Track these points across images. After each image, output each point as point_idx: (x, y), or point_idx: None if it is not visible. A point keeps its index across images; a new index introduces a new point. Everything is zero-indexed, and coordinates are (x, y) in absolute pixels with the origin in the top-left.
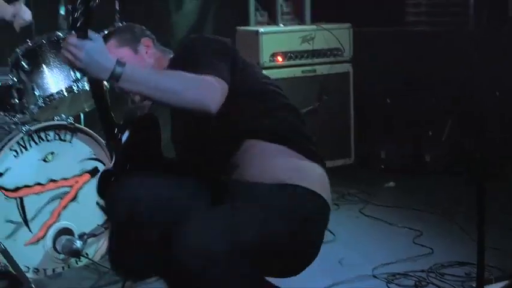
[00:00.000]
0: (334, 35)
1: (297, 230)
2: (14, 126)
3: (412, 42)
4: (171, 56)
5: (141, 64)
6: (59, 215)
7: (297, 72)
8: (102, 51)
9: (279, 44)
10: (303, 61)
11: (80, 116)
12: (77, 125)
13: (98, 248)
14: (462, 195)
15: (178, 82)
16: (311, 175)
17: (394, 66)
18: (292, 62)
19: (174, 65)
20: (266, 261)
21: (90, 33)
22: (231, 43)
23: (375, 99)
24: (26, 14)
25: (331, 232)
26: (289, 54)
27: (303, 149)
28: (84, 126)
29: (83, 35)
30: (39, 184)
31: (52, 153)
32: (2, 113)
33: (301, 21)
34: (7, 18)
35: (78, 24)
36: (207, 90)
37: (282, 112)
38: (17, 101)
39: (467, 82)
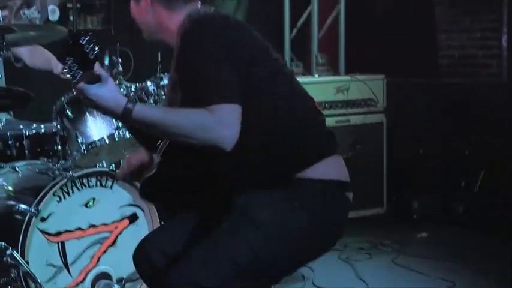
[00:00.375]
0: (368, 86)
1: (295, 232)
2: (57, 172)
3: (445, 93)
4: (185, 22)
5: (141, 18)
6: (98, 259)
7: (331, 122)
8: (108, 94)
9: (314, 94)
10: (337, 111)
11: (120, 162)
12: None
13: None
14: (495, 247)
15: (190, 126)
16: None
17: (427, 116)
18: (326, 112)
19: (177, 63)
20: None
21: (102, 73)
22: (233, 24)
23: (408, 150)
24: None
25: (364, 281)
26: (323, 104)
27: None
28: None
29: (91, 80)
30: (80, 229)
31: (93, 199)
32: (45, 159)
33: (336, 72)
34: (55, 72)
35: (77, 80)
36: (220, 130)
37: (289, 118)
38: (60, 148)
39: (500, 134)
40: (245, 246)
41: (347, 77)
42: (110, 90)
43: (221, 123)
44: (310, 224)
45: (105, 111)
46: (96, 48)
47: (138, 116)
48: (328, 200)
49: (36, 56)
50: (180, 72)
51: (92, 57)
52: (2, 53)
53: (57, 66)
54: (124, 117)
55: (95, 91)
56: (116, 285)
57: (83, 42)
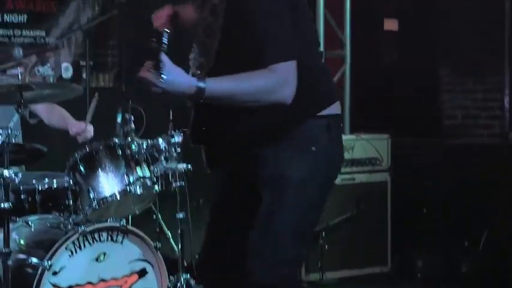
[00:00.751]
0: (373, 145)
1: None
2: (69, 227)
3: (448, 153)
4: None
5: None
6: None
7: (336, 180)
8: (178, 79)
9: None
10: (342, 169)
11: (128, 217)
12: (129, 227)
13: None
14: None
15: (258, 92)
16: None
17: (431, 175)
18: None
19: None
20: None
21: (163, 58)
22: None
23: (412, 209)
24: (89, 133)
25: None
26: None
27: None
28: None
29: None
30: (90, 283)
31: (104, 253)
32: (57, 214)
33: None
34: (70, 133)
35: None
36: (283, 89)
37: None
38: (72, 202)
39: (503, 193)
40: (295, 212)
41: (352, 136)
42: (178, 75)
43: (285, 83)
44: (328, 159)
45: (177, 95)
46: (165, 38)
47: (210, 93)
48: (332, 133)
49: (53, 115)
50: (229, 16)
51: (162, 48)
52: (20, 110)
53: (72, 128)
54: (197, 96)
55: (165, 79)
56: None
57: (162, 39)
